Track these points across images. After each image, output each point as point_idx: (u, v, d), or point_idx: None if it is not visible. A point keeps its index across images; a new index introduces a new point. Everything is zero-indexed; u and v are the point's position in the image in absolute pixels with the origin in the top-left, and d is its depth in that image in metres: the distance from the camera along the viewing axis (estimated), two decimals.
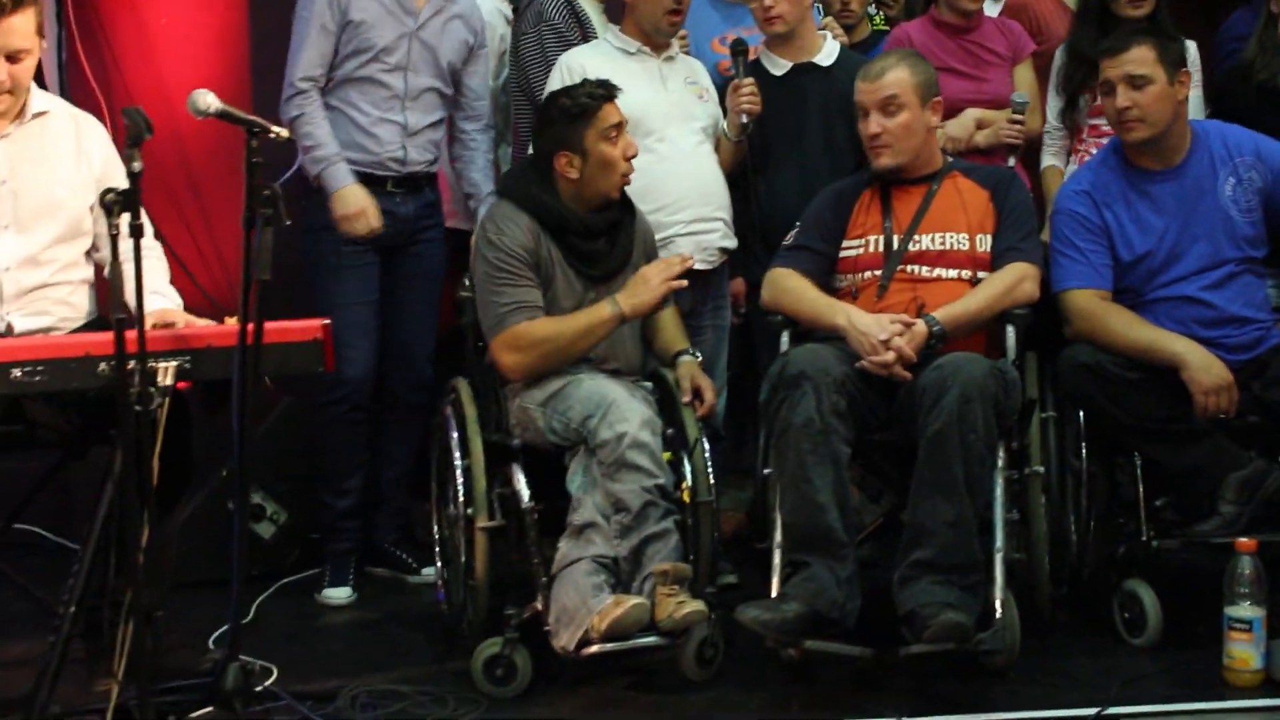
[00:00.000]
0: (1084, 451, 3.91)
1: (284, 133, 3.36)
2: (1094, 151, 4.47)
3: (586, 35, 4.59)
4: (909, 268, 3.88)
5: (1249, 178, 3.94)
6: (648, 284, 3.77)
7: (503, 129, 4.81)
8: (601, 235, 3.98)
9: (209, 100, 3.26)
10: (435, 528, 4.18)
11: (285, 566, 4.58)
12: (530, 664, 3.63)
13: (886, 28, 5.23)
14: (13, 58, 3.52)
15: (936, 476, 3.52)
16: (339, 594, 4.37)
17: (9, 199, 3.63)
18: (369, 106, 4.34)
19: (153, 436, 3.15)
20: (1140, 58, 3.90)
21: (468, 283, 4.09)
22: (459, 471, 3.81)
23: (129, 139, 3.11)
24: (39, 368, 3.22)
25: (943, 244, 3.89)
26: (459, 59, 4.51)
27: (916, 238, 3.90)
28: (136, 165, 3.08)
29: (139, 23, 4.85)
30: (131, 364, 3.20)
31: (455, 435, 3.86)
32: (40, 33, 3.58)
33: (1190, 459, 3.79)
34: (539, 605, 3.65)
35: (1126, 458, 3.92)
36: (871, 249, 3.94)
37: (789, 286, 3.95)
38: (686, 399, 3.89)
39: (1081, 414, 3.90)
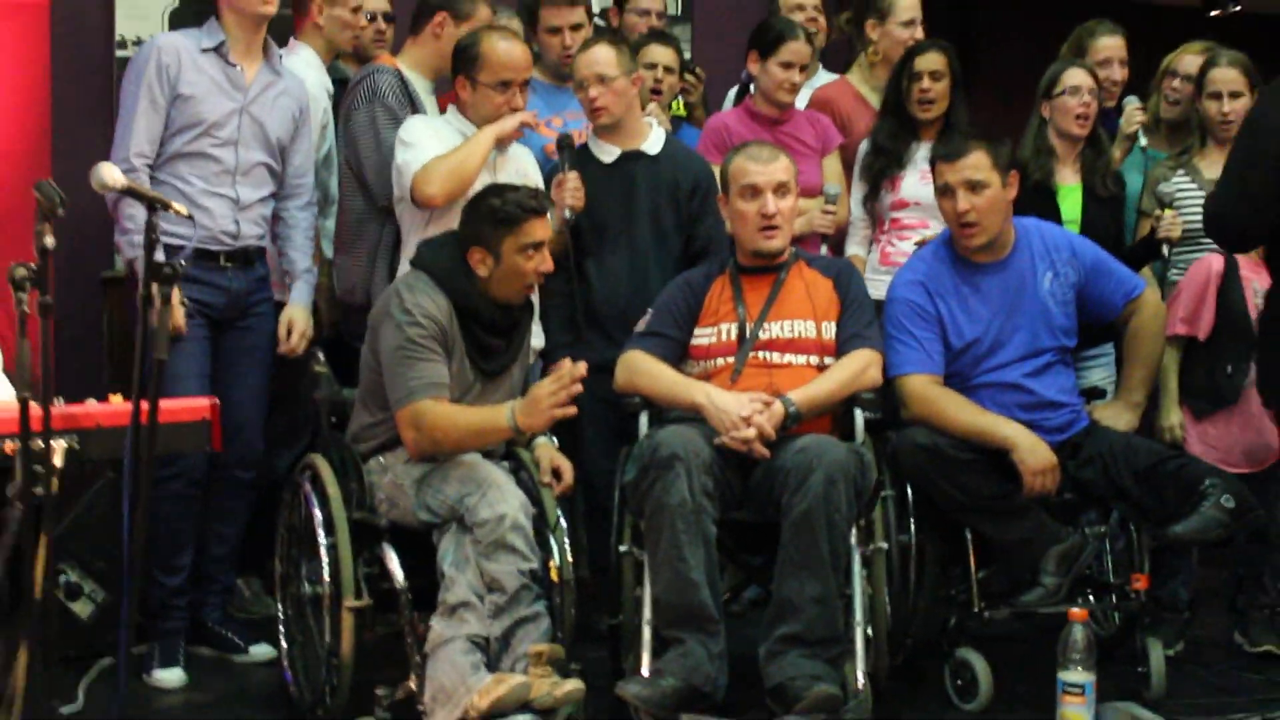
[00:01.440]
0: (912, 528, 4.14)
1: (183, 210, 3.35)
2: (895, 242, 4.83)
3: (417, 112, 4.63)
4: (760, 354, 4.06)
5: (1065, 273, 4.27)
6: (538, 406, 3.77)
7: (322, 202, 4.81)
8: (503, 333, 4.05)
9: (115, 176, 3.24)
10: (280, 606, 4.15)
11: (104, 646, 4.43)
12: None
13: (684, 113, 5.45)
14: None
15: (803, 555, 3.69)
16: (171, 676, 4.25)
17: None
18: (199, 180, 4.27)
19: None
20: (977, 163, 4.17)
21: (321, 356, 4.10)
22: (324, 550, 3.80)
23: (41, 213, 3.07)
24: None
25: (792, 331, 4.08)
26: (286, 134, 4.51)
27: (767, 325, 4.08)
28: (49, 240, 3.04)
29: None
30: (12, 444, 3.15)
31: (319, 513, 3.85)
32: None
33: (1016, 533, 4.06)
34: (413, 684, 3.68)
35: (954, 534, 4.16)
36: (724, 337, 4.10)
37: (645, 369, 4.08)
38: (545, 479, 3.99)
39: (910, 492, 4.14)
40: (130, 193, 3.29)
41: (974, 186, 4.16)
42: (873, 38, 5.25)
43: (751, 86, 5.03)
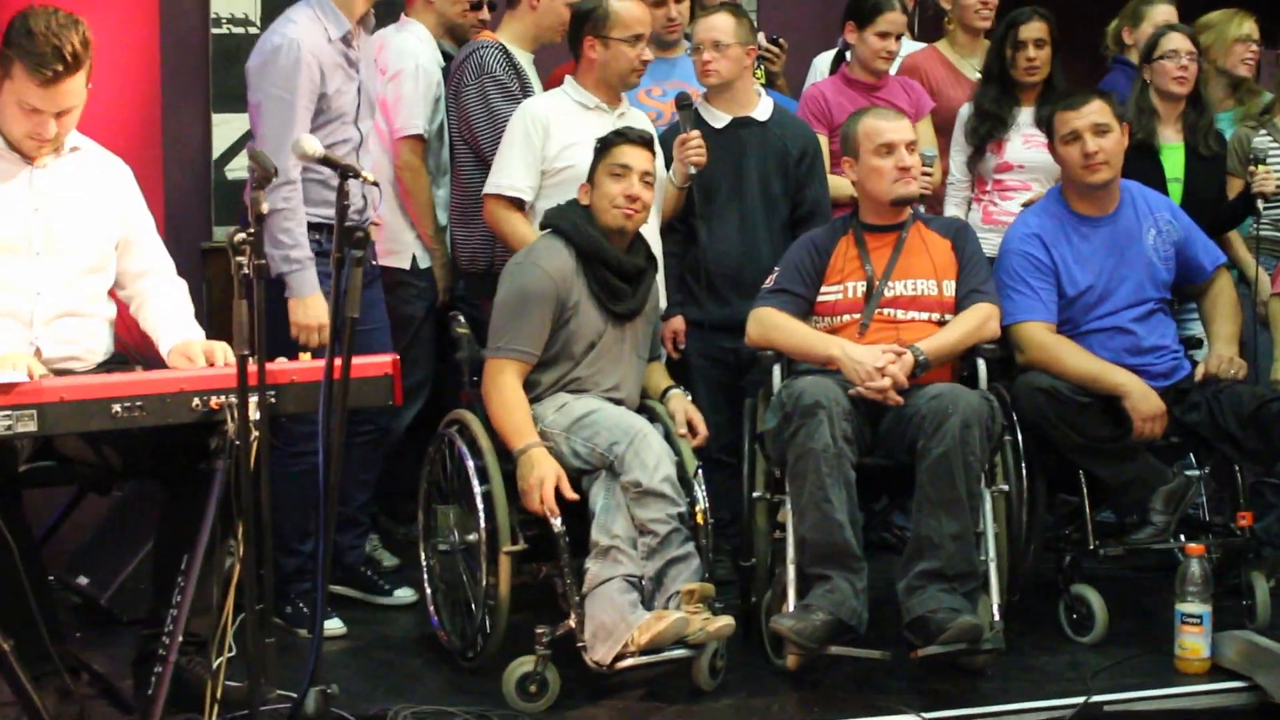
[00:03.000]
0: (1025, 471, 4.33)
1: (370, 176, 3.54)
2: (997, 202, 5.04)
3: (524, 85, 4.85)
4: (886, 310, 4.28)
5: (1166, 230, 4.53)
6: (528, 480, 3.93)
7: (435, 172, 5.00)
8: (628, 278, 4.25)
9: (315, 146, 3.44)
10: (424, 556, 4.36)
11: None
12: (559, 679, 3.86)
13: (764, 81, 5.65)
14: (63, 113, 3.60)
15: (941, 494, 3.91)
16: (333, 626, 4.36)
17: (42, 226, 3.67)
18: (310, 140, 4.36)
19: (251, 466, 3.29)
20: (1101, 109, 4.44)
21: (462, 319, 4.32)
22: (479, 498, 4.00)
23: (257, 181, 3.27)
24: (138, 403, 3.31)
25: (914, 290, 4.30)
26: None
27: (891, 283, 4.30)
28: (265, 207, 3.24)
29: None
30: (220, 399, 3.37)
31: (472, 464, 4.06)
32: (88, 80, 3.62)
33: (1127, 474, 4.30)
34: (572, 623, 3.88)
35: (1066, 476, 4.40)
36: (851, 294, 4.31)
37: (778, 323, 4.29)
38: (682, 431, 4.21)
39: (1020, 436, 4.33)
40: (326, 161, 3.47)
41: (1100, 130, 4.41)
42: (945, 6, 5.51)
43: (847, 55, 5.25)
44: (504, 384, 4.10)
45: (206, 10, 5.86)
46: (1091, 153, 4.41)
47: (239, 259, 3.19)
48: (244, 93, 5.54)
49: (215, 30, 5.89)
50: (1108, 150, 4.42)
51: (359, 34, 4.47)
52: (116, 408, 3.29)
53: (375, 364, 3.63)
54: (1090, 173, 4.44)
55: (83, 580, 4.50)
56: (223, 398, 3.35)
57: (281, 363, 3.53)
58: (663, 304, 4.64)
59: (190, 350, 3.69)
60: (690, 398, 4.36)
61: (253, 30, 5.89)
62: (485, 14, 5.31)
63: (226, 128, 5.91)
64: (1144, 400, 4.26)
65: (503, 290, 4.21)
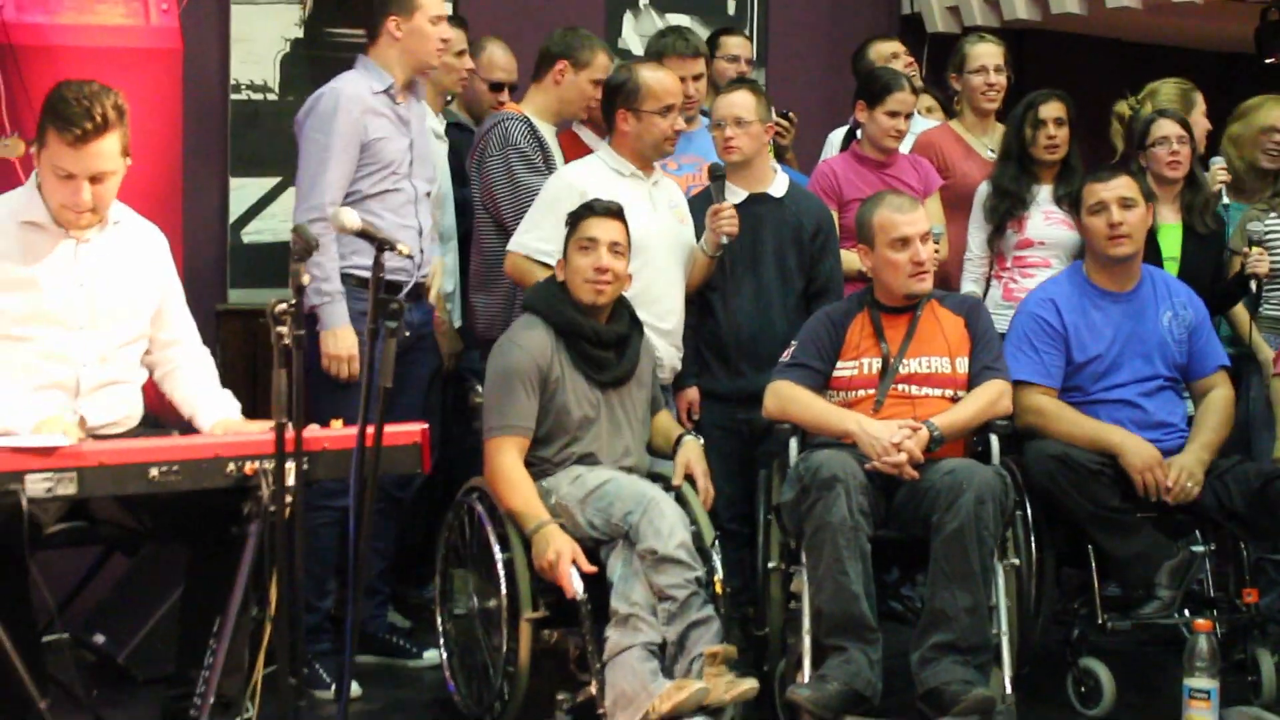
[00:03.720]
0: (1033, 545, 4.40)
1: (406, 249, 3.62)
2: (1017, 279, 5.14)
3: (547, 156, 4.93)
4: (900, 386, 4.35)
5: (1182, 315, 4.63)
6: (543, 554, 3.98)
7: (441, 237, 5.08)
8: (611, 346, 4.31)
9: (354, 219, 3.51)
10: (440, 620, 4.41)
11: None
12: None
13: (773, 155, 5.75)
14: (97, 178, 3.65)
15: (954, 568, 3.98)
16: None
17: (87, 300, 3.74)
18: (390, 214, 4.50)
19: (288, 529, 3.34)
20: (1128, 185, 4.58)
21: (479, 388, 4.38)
22: (500, 565, 4.06)
23: (297, 254, 3.34)
24: (174, 468, 3.37)
25: (929, 366, 4.37)
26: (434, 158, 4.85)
27: (906, 361, 4.37)
28: (305, 279, 3.32)
29: None
30: (254, 465, 3.42)
31: (493, 531, 4.12)
32: (125, 152, 3.69)
33: (1133, 548, 4.36)
34: (593, 690, 3.93)
35: (1074, 550, 4.47)
36: (866, 370, 4.38)
37: (795, 397, 4.36)
38: (677, 482, 4.26)
39: (1029, 511, 4.41)
40: (364, 234, 3.54)
41: (1126, 204, 4.55)
42: (956, 88, 5.63)
43: (858, 133, 5.35)
44: (505, 463, 4.16)
45: (227, 76, 5.92)
46: (1116, 223, 4.53)
47: (280, 329, 3.24)
48: (261, 157, 5.73)
49: (234, 96, 5.93)
50: (1131, 224, 4.55)
51: (409, 98, 4.65)
52: (154, 471, 3.35)
53: (406, 433, 3.70)
54: (1114, 245, 4.55)
55: (100, 639, 4.54)
56: (256, 463, 3.41)
57: (314, 429, 3.58)
58: (672, 364, 4.70)
59: (231, 428, 3.76)
60: (702, 441, 4.42)
61: (270, 96, 5.98)
62: (505, 95, 5.45)
63: (243, 191, 5.96)
64: (1136, 454, 4.36)
65: (488, 373, 4.30)
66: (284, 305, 3.25)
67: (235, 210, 5.96)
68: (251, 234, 5.98)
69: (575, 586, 3.93)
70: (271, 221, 5.98)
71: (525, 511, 4.08)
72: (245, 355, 5.51)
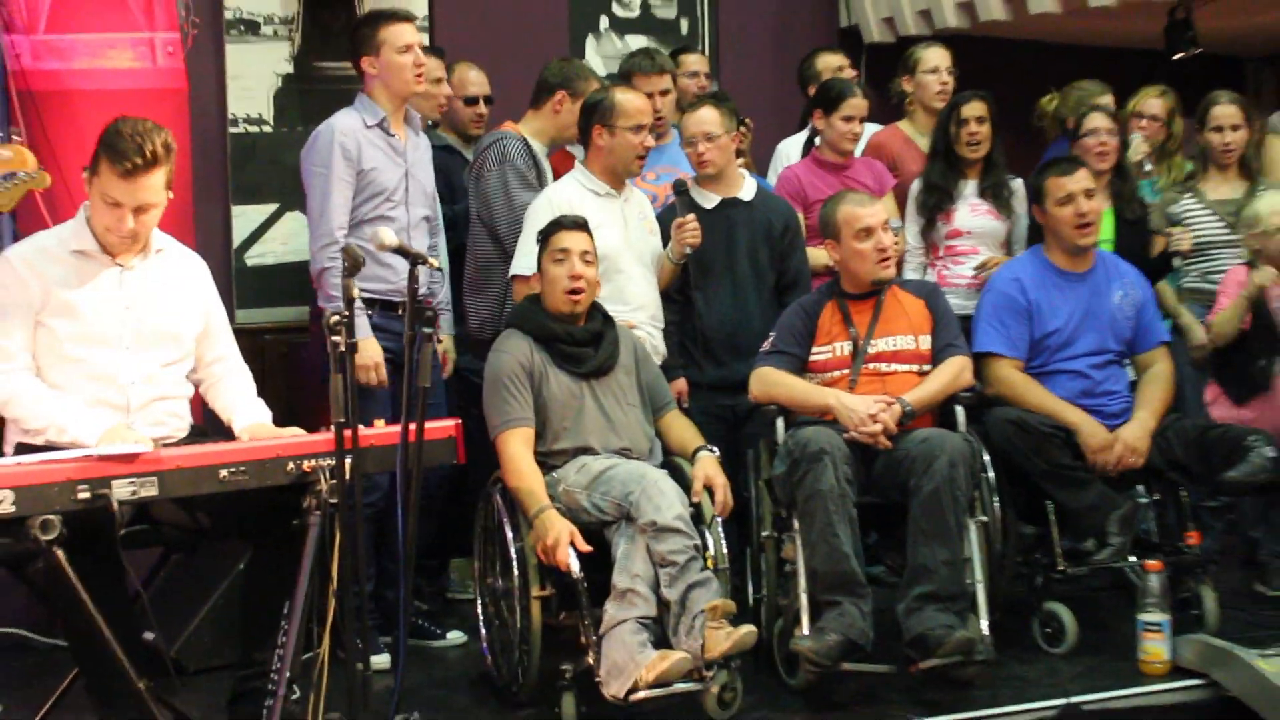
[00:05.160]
0: (997, 503, 4.65)
1: (435, 262, 3.88)
2: (950, 266, 5.45)
3: (540, 174, 5.18)
4: (871, 365, 4.63)
5: (1131, 294, 4.94)
6: (545, 540, 4.15)
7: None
8: (586, 343, 4.54)
9: (391, 238, 3.78)
10: (479, 596, 4.65)
11: None
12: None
13: None
14: (141, 209, 3.83)
15: (933, 526, 4.27)
16: (382, 659, 4.57)
17: (133, 323, 3.92)
18: (388, 231, 4.69)
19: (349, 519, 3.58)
20: (1086, 176, 4.89)
21: None
22: (513, 551, 4.29)
23: (347, 270, 3.60)
24: (241, 468, 3.62)
25: (896, 345, 4.65)
26: (433, 185, 5.09)
27: (874, 341, 4.65)
28: (356, 291, 3.58)
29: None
30: (312, 463, 3.68)
31: (509, 521, 4.35)
32: (169, 186, 3.88)
33: (1085, 500, 4.65)
34: (590, 660, 4.10)
35: (1034, 507, 4.76)
36: (839, 353, 4.66)
37: (778, 380, 4.64)
38: (695, 499, 4.35)
39: (992, 474, 4.66)
40: (400, 250, 3.80)
41: (1089, 193, 4.84)
42: (908, 89, 5.93)
43: (816, 139, 5.65)
44: (512, 454, 4.36)
45: (224, 111, 6.09)
46: (1084, 213, 4.83)
47: (335, 338, 3.48)
48: (260, 186, 5.95)
49: (233, 130, 6.12)
50: (1096, 211, 4.87)
51: (406, 132, 4.89)
52: (223, 472, 3.59)
53: (442, 428, 3.93)
54: (1082, 235, 4.86)
55: (149, 635, 4.76)
56: (314, 461, 3.66)
57: (361, 429, 3.82)
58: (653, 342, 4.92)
59: (259, 432, 3.98)
60: (718, 455, 4.55)
61: (266, 129, 6.17)
62: (481, 108, 5.71)
63: (244, 218, 6.14)
64: (1093, 436, 4.68)
65: (484, 383, 4.52)
66: (337, 317, 3.50)
67: (238, 236, 6.14)
68: (254, 257, 6.17)
69: (572, 565, 4.11)
70: (272, 245, 6.19)
71: (528, 499, 4.27)
72: (253, 369, 5.72)
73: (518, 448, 4.38)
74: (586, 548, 4.18)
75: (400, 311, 4.73)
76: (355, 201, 4.77)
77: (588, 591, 4.16)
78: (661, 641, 4.13)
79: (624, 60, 5.78)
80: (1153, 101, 5.85)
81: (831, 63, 6.18)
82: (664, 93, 5.48)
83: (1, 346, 3.82)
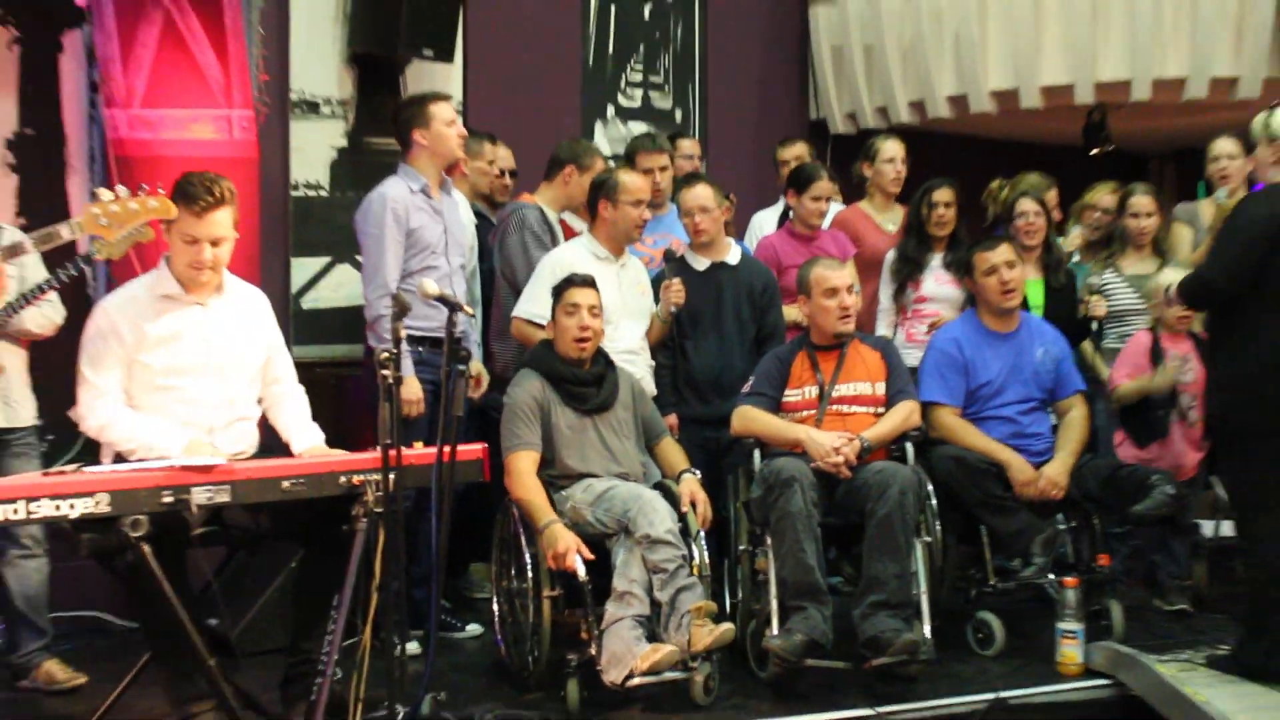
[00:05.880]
0: (938, 526, 4.62)
1: (470, 310, 3.89)
2: (916, 326, 5.43)
3: (554, 237, 5.21)
4: (835, 407, 4.65)
5: (1051, 351, 4.96)
6: (554, 549, 4.14)
7: (470, 304, 5.28)
8: (589, 383, 4.56)
9: (434, 288, 3.80)
10: (495, 595, 4.64)
11: None
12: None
13: None
14: (215, 243, 3.88)
15: (885, 544, 4.27)
16: (413, 645, 4.54)
17: (214, 353, 3.96)
18: (431, 282, 4.75)
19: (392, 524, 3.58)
20: (1009, 249, 4.93)
21: None
22: (528, 557, 4.29)
23: (395, 314, 3.62)
24: (300, 480, 3.64)
25: (856, 390, 4.67)
26: (469, 238, 5.14)
27: (838, 386, 4.67)
28: (403, 333, 3.60)
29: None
30: (361, 477, 3.68)
31: (524, 530, 4.35)
32: (235, 225, 3.92)
33: (1013, 525, 4.67)
34: (592, 651, 4.11)
35: (969, 530, 4.77)
36: (807, 395, 4.68)
37: (756, 417, 4.65)
38: (684, 509, 4.37)
39: (935, 501, 4.63)
40: (441, 299, 3.81)
41: (1011, 265, 4.87)
42: (867, 174, 5.96)
43: (790, 214, 5.68)
44: (520, 470, 4.37)
45: (287, 177, 6.13)
46: (1006, 281, 4.86)
47: (384, 371, 3.50)
48: (315, 242, 5.96)
49: (294, 193, 6.14)
50: (1018, 280, 4.89)
51: (440, 194, 4.91)
52: (285, 483, 3.61)
53: (471, 450, 3.95)
54: (1006, 299, 4.88)
55: (212, 621, 4.75)
56: (363, 476, 3.66)
57: (403, 449, 3.82)
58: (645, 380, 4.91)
59: (315, 453, 4.01)
60: (699, 476, 4.56)
61: (322, 193, 6.19)
62: (508, 180, 5.74)
63: (301, 268, 6.17)
64: (1020, 471, 4.70)
65: (503, 409, 4.54)
66: (387, 354, 3.52)
67: (295, 283, 6.16)
68: (309, 302, 6.18)
69: (579, 570, 4.11)
70: (324, 291, 6.21)
71: (537, 513, 4.26)
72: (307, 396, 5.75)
73: (524, 465, 4.39)
74: (590, 556, 4.18)
75: (440, 349, 4.73)
76: (404, 257, 4.79)
77: (591, 593, 4.16)
78: (653, 637, 4.13)
79: (630, 141, 5.85)
80: (1106, 197, 5.89)
81: (794, 150, 6.24)
82: (662, 169, 5.52)
83: (98, 383, 3.85)
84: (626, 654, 4.02)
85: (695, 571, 4.24)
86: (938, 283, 5.43)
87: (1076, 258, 5.69)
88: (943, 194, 5.42)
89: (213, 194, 3.82)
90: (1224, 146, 5.51)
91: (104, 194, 3.90)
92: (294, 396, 4.22)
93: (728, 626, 4.10)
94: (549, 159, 5.38)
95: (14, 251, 4.07)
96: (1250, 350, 4.11)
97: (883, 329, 5.50)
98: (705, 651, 4.09)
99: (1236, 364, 4.16)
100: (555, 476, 4.47)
